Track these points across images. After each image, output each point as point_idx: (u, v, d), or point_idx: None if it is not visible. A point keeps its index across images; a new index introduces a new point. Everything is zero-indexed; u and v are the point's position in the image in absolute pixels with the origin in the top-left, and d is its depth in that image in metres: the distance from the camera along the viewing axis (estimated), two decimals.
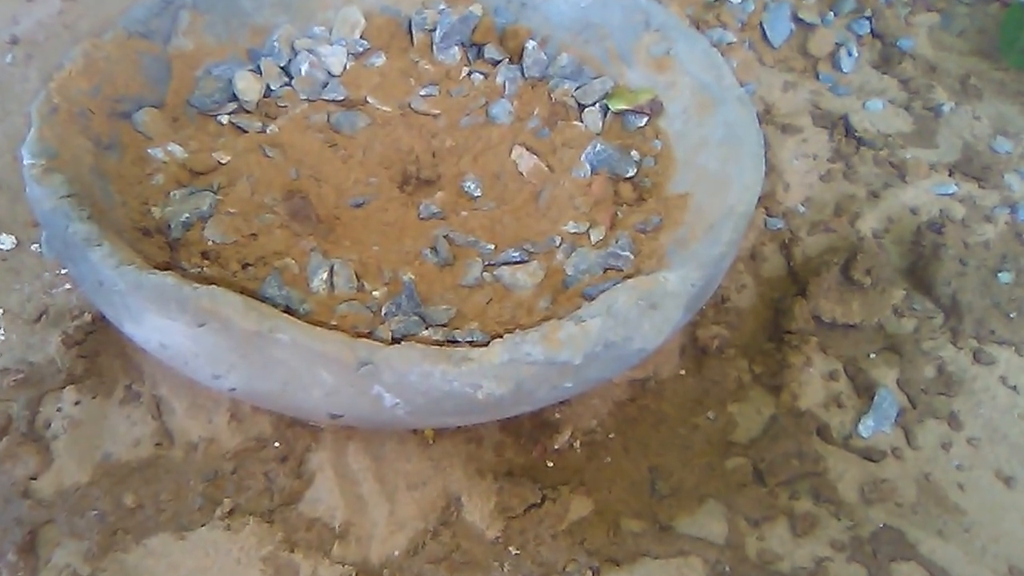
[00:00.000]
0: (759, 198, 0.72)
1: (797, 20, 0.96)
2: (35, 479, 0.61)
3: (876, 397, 0.71)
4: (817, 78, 0.94)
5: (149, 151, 0.64)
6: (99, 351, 0.67)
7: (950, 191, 0.86)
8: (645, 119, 0.72)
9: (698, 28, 0.93)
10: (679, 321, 0.56)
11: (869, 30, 0.97)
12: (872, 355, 0.75)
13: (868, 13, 0.98)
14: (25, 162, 0.55)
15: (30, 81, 0.81)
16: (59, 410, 0.64)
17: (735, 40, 0.93)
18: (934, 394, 0.73)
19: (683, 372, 0.73)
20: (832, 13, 0.97)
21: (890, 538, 0.65)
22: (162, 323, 0.50)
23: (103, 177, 0.60)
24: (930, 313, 0.77)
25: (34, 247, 0.71)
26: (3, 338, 0.66)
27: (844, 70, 0.94)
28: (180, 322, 0.50)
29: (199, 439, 0.64)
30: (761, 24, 0.95)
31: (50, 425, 0.63)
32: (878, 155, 0.88)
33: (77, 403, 0.64)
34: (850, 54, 0.94)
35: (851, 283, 0.75)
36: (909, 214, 0.84)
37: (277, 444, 0.64)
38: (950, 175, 0.87)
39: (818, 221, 0.83)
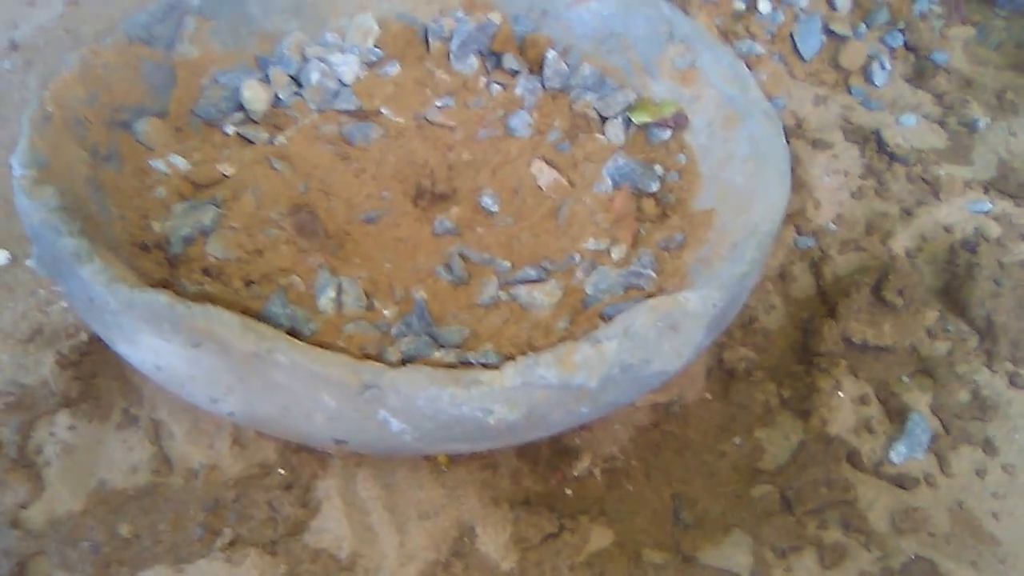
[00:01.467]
0: (788, 215, 0.71)
1: (828, 32, 0.95)
2: (25, 508, 0.60)
3: (908, 422, 0.70)
4: (849, 92, 0.94)
5: (150, 162, 0.63)
6: (95, 373, 0.66)
7: (985, 209, 0.84)
8: (669, 132, 0.70)
9: (727, 39, 0.92)
10: (701, 343, 0.54)
11: (902, 43, 0.96)
12: (904, 378, 0.74)
13: (901, 25, 0.97)
14: (15, 173, 0.53)
15: (29, 88, 0.81)
16: (52, 435, 0.63)
17: (764, 52, 0.92)
18: (968, 419, 0.71)
19: (709, 396, 0.71)
20: (865, 25, 0.96)
21: (922, 570, 0.63)
22: (156, 344, 0.49)
23: (100, 189, 0.58)
24: (964, 335, 0.75)
25: (28, 262, 0.70)
26: None
27: (876, 84, 0.94)
28: (175, 343, 0.48)
29: (200, 466, 0.63)
30: (791, 36, 0.94)
31: (42, 451, 0.62)
32: (911, 172, 0.87)
33: (71, 427, 0.63)
34: (883, 67, 0.94)
35: (883, 304, 0.74)
36: (943, 232, 0.83)
37: (282, 471, 0.63)
38: (985, 192, 0.86)
39: (849, 239, 0.82)
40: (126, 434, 0.63)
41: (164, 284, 0.56)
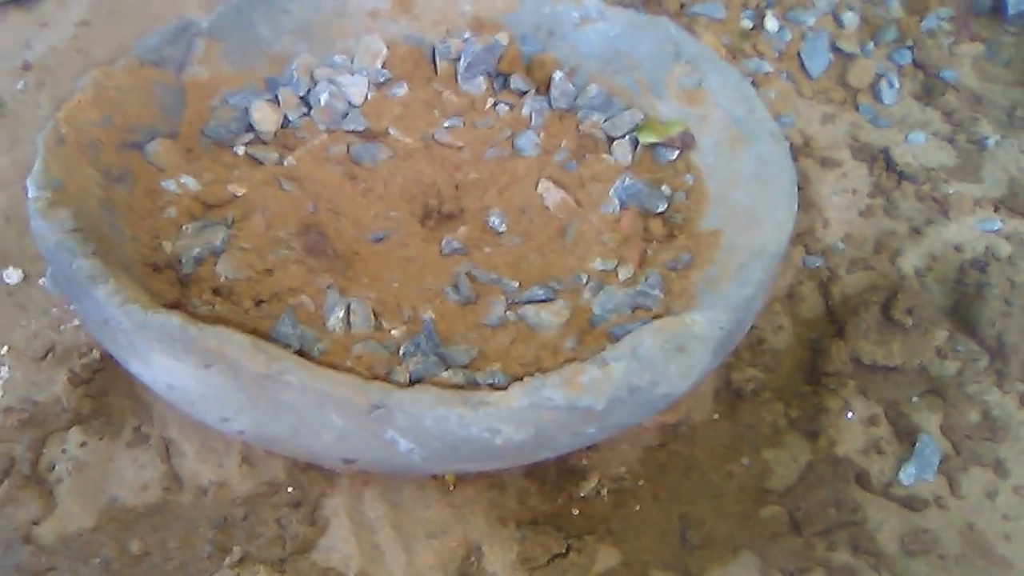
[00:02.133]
0: (796, 234, 0.71)
1: (836, 50, 0.95)
2: (37, 524, 0.60)
3: (918, 443, 0.69)
4: (857, 110, 0.93)
5: (161, 183, 0.64)
6: (107, 390, 0.66)
7: (995, 227, 0.84)
8: (676, 152, 0.70)
9: (734, 58, 0.92)
10: (708, 365, 0.54)
11: (911, 60, 0.96)
12: (914, 399, 0.73)
13: (910, 43, 0.97)
14: (30, 195, 0.54)
15: (42, 108, 0.82)
16: (64, 452, 0.63)
17: (772, 70, 0.92)
18: (979, 440, 0.71)
19: (716, 416, 0.71)
20: (872, 43, 0.96)
21: None
22: (168, 364, 0.50)
23: (112, 210, 0.59)
24: (974, 355, 0.74)
25: (41, 281, 0.71)
26: (7, 376, 0.66)
27: (885, 101, 0.93)
28: (186, 363, 0.49)
29: (209, 483, 0.63)
30: (799, 54, 0.94)
31: (54, 468, 0.63)
32: (920, 190, 0.86)
33: (83, 445, 0.64)
34: (891, 85, 0.93)
35: (892, 323, 0.74)
36: (952, 251, 0.82)
37: (291, 489, 0.63)
38: (995, 211, 0.86)
39: (858, 258, 0.81)
40: (137, 452, 0.64)
41: (175, 304, 0.56)
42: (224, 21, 0.70)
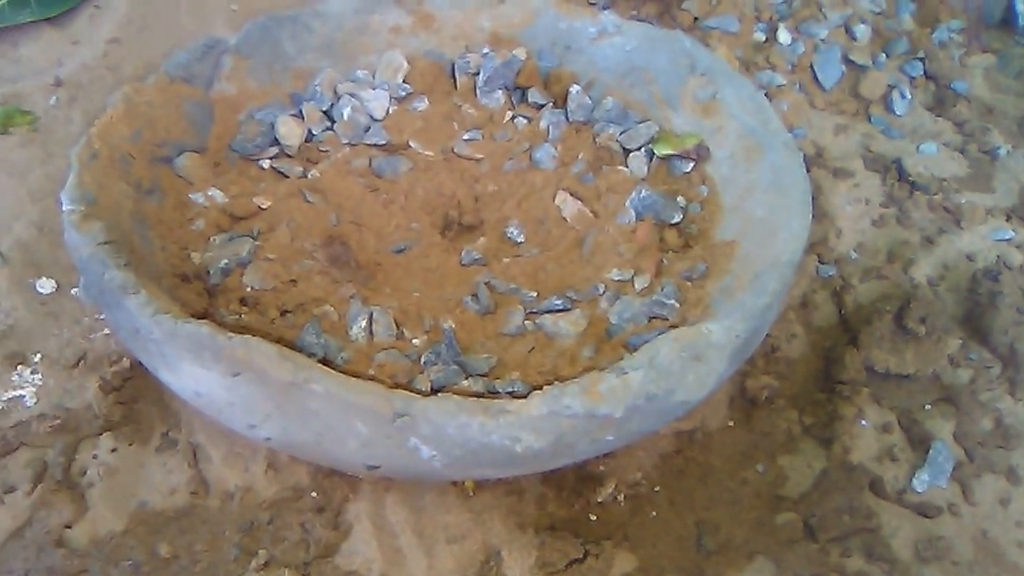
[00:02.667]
0: (809, 244, 0.71)
1: (848, 62, 0.95)
2: (70, 527, 0.61)
3: (931, 450, 0.69)
4: (869, 121, 0.93)
5: (190, 196, 0.65)
6: (137, 397, 0.67)
7: (1007, 237, 0.84)
8: (691, 164, 0.71)
9: (748, 70, 0.92)
10: (724, 373, 0.54)
11: (922, 72, 0.96)
12: (927, 406, 0.73)
13: (921, 55, 0.97)
14: (64, 208, 0.55)
15: (74, 123, 0.83)
16: (95, 457, 0.64)
17: (785, 83, 0.92)
18: (992, 447, 0.71)
19: (731, 423, 0.71)
20: (884, 55, 0.96)
21: None
22: (197, 372, 0.50)
23: (143, 222, 0.60)
24: (987, 363, 0.75)
25: (74, 291, 0.72)
26: (41, 383, 0.66)
27: (897, 113, 0.93)
28: (215, 371, 0.50)
29: (235, 488, 0.64)
30: (811, 66, 0.94)
31: (86, 472, 0.63)
32: (932, 200, 0.87)
33: (113, 450, 0.64)
34: (903, 96, 0.93)
35: (905, 332, 0.74)
36: (965, 261, 0.82)
37: (314, 494, 0.63)
38: (1007, 220, 0.86)
39: (871, 268, 0.81)
40: (165, 457, 0.64)
41: (204, 314, 0.57)
42: (251, 38, 0.71)
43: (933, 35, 0.98)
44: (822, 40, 0.95)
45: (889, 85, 0.94)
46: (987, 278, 0.79)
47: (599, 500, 0.66)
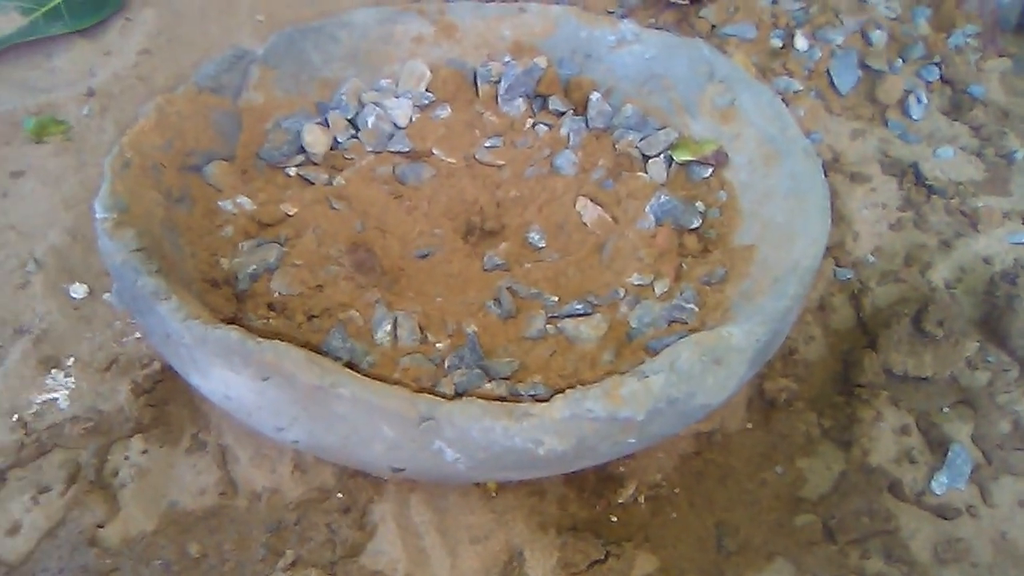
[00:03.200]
0: (827, 248, 0.71)
1: (864, 67, 0.95)
2: (102, 527, 0.62)
3: (949, 453, 0.70)
4: (886, 125, 0.93)
5: (219, 203, 0.66)
6: (167, 400, 0.68)
7: None
8: (710, 170, 0.71)
9: (764, 76, 0.93)
10: (744, 376, 0.55)
11: (939, 76, 0.96)
12: (945, 409, 0.73)
13: (937, 59, 0.96)
14: (97, 216, 0.56)
15: (106, 132, 0.84)
16: (127, 458, 0.65)
17: (802, 88, 0.92)
18: (1010, 449, 0.70)
19: (750, 425, 0.72)
20: (900, 60, 0.96)
21: None
22: (227, 376, 0.51)
23: (173, 229, 0.61)
24: (1005, 366, 0.74)
25: (106, 296, 0.73)
26: (74, 386, 0.68)
27: (913, 117, 0.93)
28: (244, 375, 0.50)
29: (263, 489, 0.64)
30: (828, 72, 0.94)
31: (118, 473, 0.64)
32: (949, 204, 0.87)
33: (144, 452, 0.65)
34: (919, 101, 0.93)
35: (923, 335, 0.74)
36: (982, 264, 0.82)
37: (340, 495, 0.64)
38: None
39: (888, 271, 0.81)
40: (195, 458, 0.65)
41: (232, 318, 0.58)
42: (277, 49, 0.72)
43: (949, 40, 0.98)
44: (838, 46, 0.95)
45: (905, 90, 0.94)
46: (1004, 281, 0.79)
47: (620, 501, 0.66)
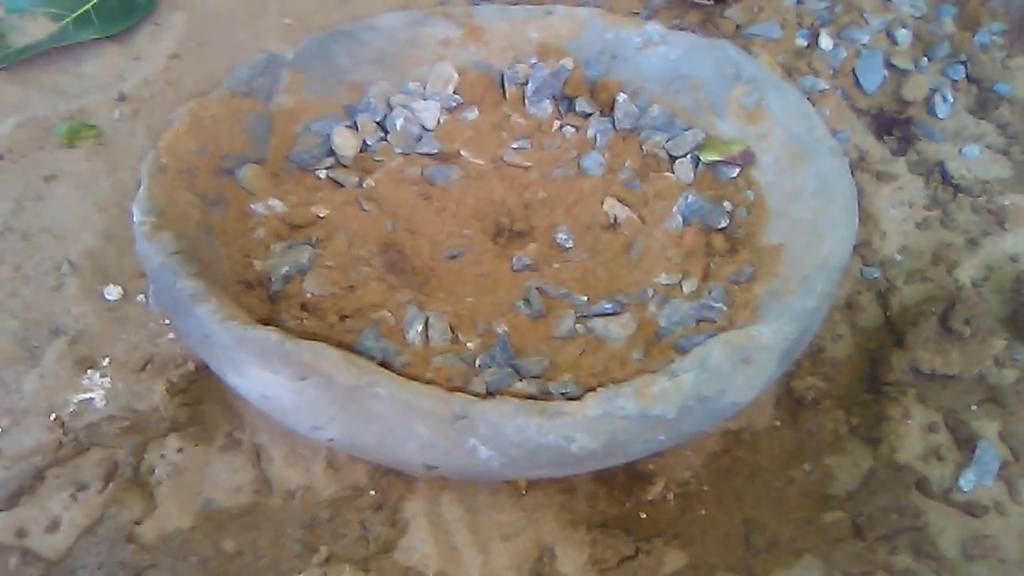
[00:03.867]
0: (854, 247, 0.71)
1: (890, 66, 0.95)
2: (139, 524, 0.63)
3: (977, 450, 0.70)
4: (912, 124, 0.93)
5: (251, 206, 0.67)
6: (201, 399, 0.69)
7: None
8: (737, 170, 0.71)
9: (790, 76, 0.93)
10: (773, 375, 0.55)
11: (964, 75, 0.96)
12: (973, 407, 0.73)
13: (963, 58, 0.96)
14: (135, 219, 0.57)
15: (137, 136, 0.85)
16: (163, 456, 0.66)
17: (827, 87, 0.92)
18: None
19: (778, 423, 0.72)
20: (926, 58, 0.96)
21: None
22: (265, 376, 0.52)
23: (208, 232, 0.62)
24: None
25: (139, 298, 0.74)
26: (110, 386, 0.69)
27: (939, 116, 0.93)
28: (282, 375, 0.51)
29: (297, 487, 0.65)
30: (854, 71, 0.94)
31: (154, 471, 0.65)
32: (976, 202, 0.86)
33: (180, 450, 0.66)
34: (945, 100, 0.93)
35: (950, 333, 0.74)
36: (1009, 262, 0.82)
37: (372, 493, 0.65)
38: None
39: (915, 270, 0.81)
40: (230, 456, 0.66)
41: (267, 319, 0.59)
42: (307, 53, 0.73)
43: (975, 38, 0.98)
44: (864, 45, 0.95)
45: (931, 89, 0.94)
46: None
47: (649, 499, 0.67)
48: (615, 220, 0.71)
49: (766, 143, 0.71)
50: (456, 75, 0.77)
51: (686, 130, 0.75)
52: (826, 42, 0.95)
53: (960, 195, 0.87)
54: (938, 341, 0.74)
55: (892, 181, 0.88)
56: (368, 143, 0.74)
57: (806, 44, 0.95)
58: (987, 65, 0.96)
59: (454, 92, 0.76)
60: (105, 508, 0.63)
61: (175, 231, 0.57)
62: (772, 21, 0.96)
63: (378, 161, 0.73)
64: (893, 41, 0.96)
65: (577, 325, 0.63)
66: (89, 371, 0.69)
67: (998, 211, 0.86)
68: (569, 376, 0.58)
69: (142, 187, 0.59)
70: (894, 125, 0.91)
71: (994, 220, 0.85)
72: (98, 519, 0.63)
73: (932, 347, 0.74)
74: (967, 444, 0.71)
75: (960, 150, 0.91)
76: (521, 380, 0.57)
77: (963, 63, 0.96)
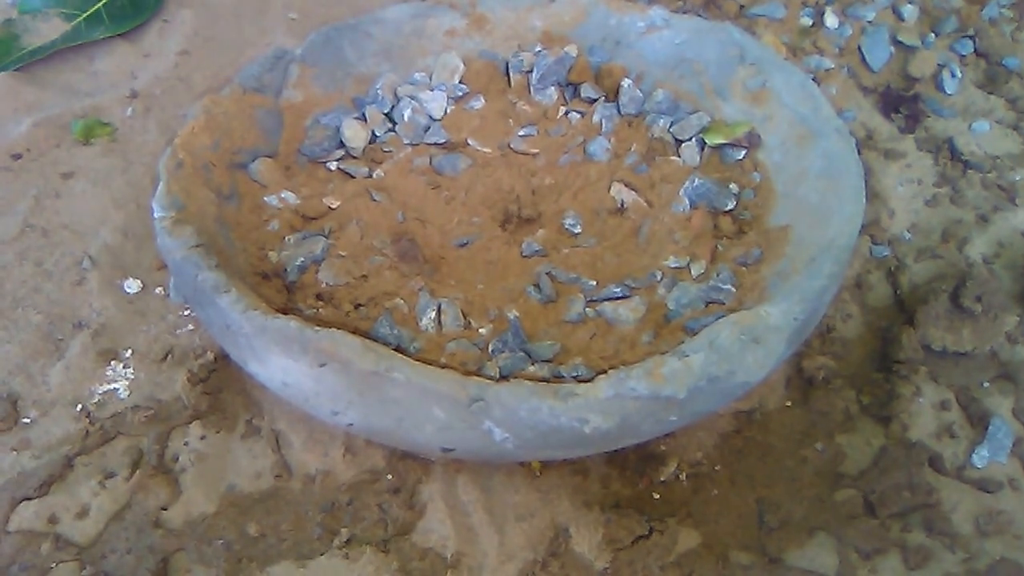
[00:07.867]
0: (863, 226, 0.71)
1: (896, 43, 0.95)
2: (166, 509, 0.64)
3: (990, 427, 0.70)
4: (920, 101, 0.93)
5: (265, 199, 0.68)
6: (221, 388, 0.70)
7: None
8: (743, 152, 0.72)
9: (795, 56, 0.93)
10: (782, 355, 0.56)
11: (973, 49, 0.95)
12: (985, 384, 0.73)
13: (971, 32, 0.96)
14: (156, 215, 0.59)
15: (150, 132, 0.86)
16: (186, 444, 0.67)
17: (833, 66, 0.92)
18: None
19: (789, 403, 0.72)
20: (933, 34, 0.95)
21: (1008, 571, 0.63)
22: (285, 363, 0.53)
23: (225, 225, 0.63)
24: None
25: (158, 291, 0.75)
26: (133, 377, 0.70)
27: (947, 92, 0.93)
28: (302, 363, 0.52)
29: (316, 471, 0.66)
30: (859, 48, 0.94)
31: (178, 459, 0.67)
32: (986, 178, 0.86)
33: (202, 438, 0.68)
34: (953, 75, 0.93)
35: (961, 310, 0.74)
36: (1020, 238, 0.82)
37: (390, 476, 0.66)
38: None
39: (925, 247, 0.82)
40: (250, 443, 0.68)
41: (284, 309, 0.60)
42: (315, 47, 0.73)
43: (983, 12, 0.97)
44: (869, 22, 0.95)
45: (939, 64, 0.93)
46: None
47: (662, 479, 0.67)
48: (622, 205, 0.72)
49: (772, 125, 0.71)
50: (462, 65, 0.77)
51: (691, 114, 0.75)
52: (831, 20, 0.95)
53: (970, 171, 0.87)
54: (949, 318, 0.74)
55: (900, 159, 0.88)
56: (377, 134, 0.75)
57: (811, 23, 0.95)
58: (996, 39, 0.95)
59: (460, 82, 0.77)
60: (132, 494, 0.65)
61: (195, 225, 0.58)
62: (776, 1, 0.96)
63: (387, 152, 0.74)
64: (899, 17, 0.96)
65: (587, 309, 0.64)
66: (112, 362, 0.71)
67: (1009, 187, 0.85)
68: (580, 360, 0.59)
69: (161, 183, 0.61)
70: (902, 102, 0.91)
71: (1005, 196, 0.85)
72: (126, 505, 0.65)
73: (943, 325, 0.74)
74: (980, 421, 0.71)
75: (969, 126, 0.90)
76: (533, 364, 0.58)
77: (971, 37, 0.96)
